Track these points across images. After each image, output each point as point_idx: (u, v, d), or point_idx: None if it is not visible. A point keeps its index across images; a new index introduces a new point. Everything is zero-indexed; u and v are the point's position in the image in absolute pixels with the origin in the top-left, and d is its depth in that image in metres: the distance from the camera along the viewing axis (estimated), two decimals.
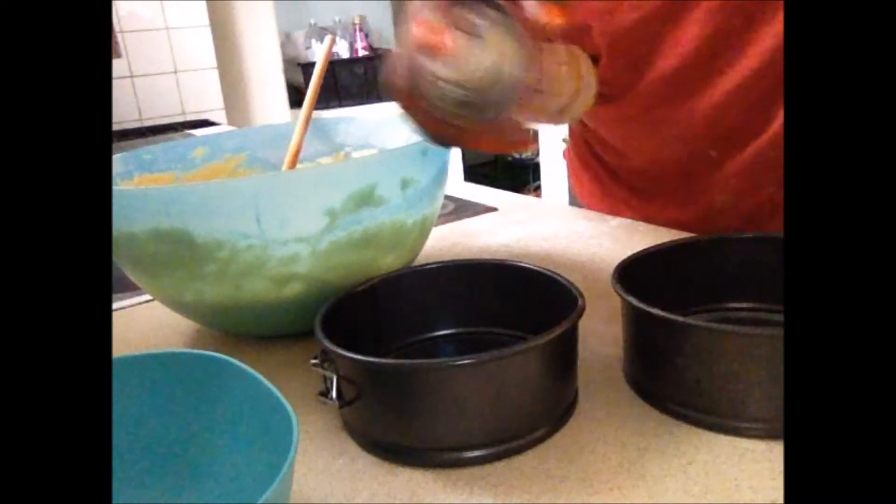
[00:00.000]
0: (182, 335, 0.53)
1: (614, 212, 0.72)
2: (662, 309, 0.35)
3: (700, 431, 0.34)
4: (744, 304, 0.44)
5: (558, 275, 0.40)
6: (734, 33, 0.50)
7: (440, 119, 0.37)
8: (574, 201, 0.80)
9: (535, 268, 0.42)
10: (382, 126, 0.63)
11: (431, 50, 0.35)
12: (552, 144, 3.05)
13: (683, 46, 0.52)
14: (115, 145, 1.72)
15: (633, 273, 0.40)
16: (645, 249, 0.43)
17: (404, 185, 0.44)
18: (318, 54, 2.99)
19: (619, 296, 0.37)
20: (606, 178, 0.72)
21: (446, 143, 0.40)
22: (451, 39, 0.34)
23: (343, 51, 3.32)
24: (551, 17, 0.36)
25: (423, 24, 0.35)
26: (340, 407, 0.35)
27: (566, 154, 0.82)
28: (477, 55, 0.35)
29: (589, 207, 0.76)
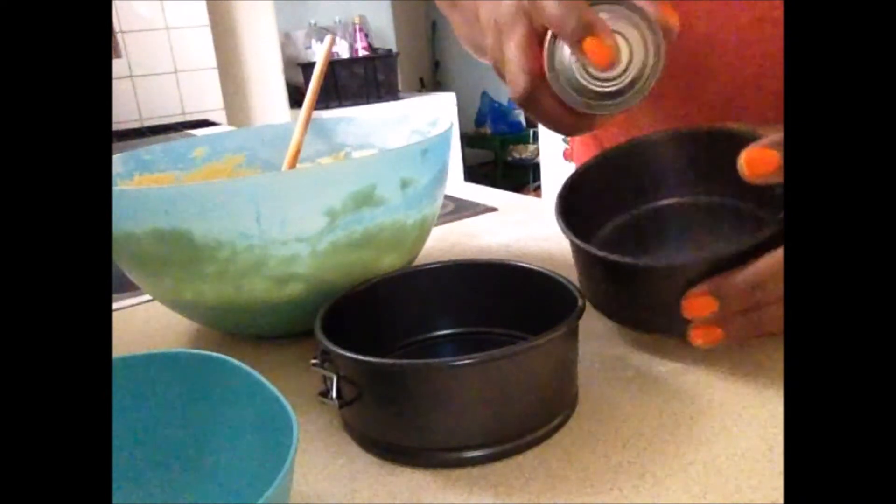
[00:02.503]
0: (182, 335, 0.53)
1: None
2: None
3: (700, 431, 0.34)
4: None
5: (558, 275, 0.40)
6: (742, 25, 0.50)
7: (568, 109, 0.38)
8: None
9: (535, 268, 0.42)
10: (382, 126, 0.63)
11: (581, 45, 0.35)
12: (552, 144, 3.05)
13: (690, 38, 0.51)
14: (115, 145, 1.72)
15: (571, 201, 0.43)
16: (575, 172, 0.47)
17: (404, 185, 0.44)
18: (318, 54, 2.98)
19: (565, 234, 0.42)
20: None
21: (570, 132, 0.41)
22: (604, 36, 0.35)
23: (343, 51, 3.32)
24: (667, 16, 0.37)
25: (572, 17, 0.35)
26: (340, 407, 0.35)
27: (566, 154, 0.82)
28: (624, 50, 0.36)
29: None
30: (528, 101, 0.39)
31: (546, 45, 0.37)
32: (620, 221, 0.49)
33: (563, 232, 0.42)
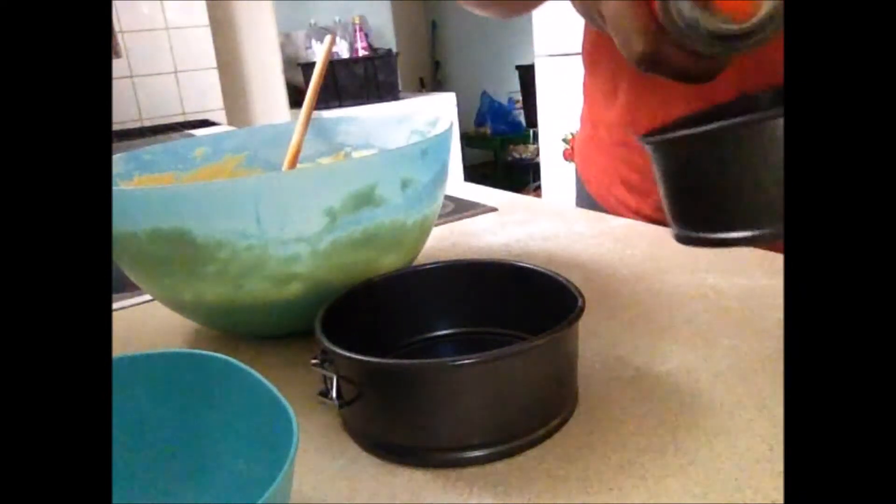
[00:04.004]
0: (182, 335, 0.53)
1: (622, 200, 0.72)
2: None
3: (700, 431, 0.34)
4: None
5: (558, 275, 0.40)
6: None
7: (696, 57, 0.35)
8: (581, 201, 0.80)
9: (535, 268, 0.42)
10: (382, 126, 0.63)
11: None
12: (552, 144, 3.05)
13: None
14: (115, 145, 1.72)
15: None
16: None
17: (404, 185, 0.44)
18: (318, 54, 2.99)
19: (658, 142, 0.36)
20: (613, 164, 0.72)
21: (706, 78, 0.37)
22: None
23: (343, 51, 3.33)
24: None
25: None
26: (340, 407, 0.35)
27: (566, 154, 0.82)
28: None
29: (598, 198, 0.76)
30: (650, 62, 0.36)
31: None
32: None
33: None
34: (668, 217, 0.38)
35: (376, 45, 3.59)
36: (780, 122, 0.31)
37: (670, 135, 0.35)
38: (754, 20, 0.33)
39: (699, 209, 0.36)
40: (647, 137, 0.37)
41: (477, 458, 0.33)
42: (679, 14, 0.34)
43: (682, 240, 0.38)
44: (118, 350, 0.46)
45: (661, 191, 0.38)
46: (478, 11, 0.70)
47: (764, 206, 0.33)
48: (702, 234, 0.36)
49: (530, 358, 0.34)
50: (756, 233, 0.34)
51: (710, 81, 0.38)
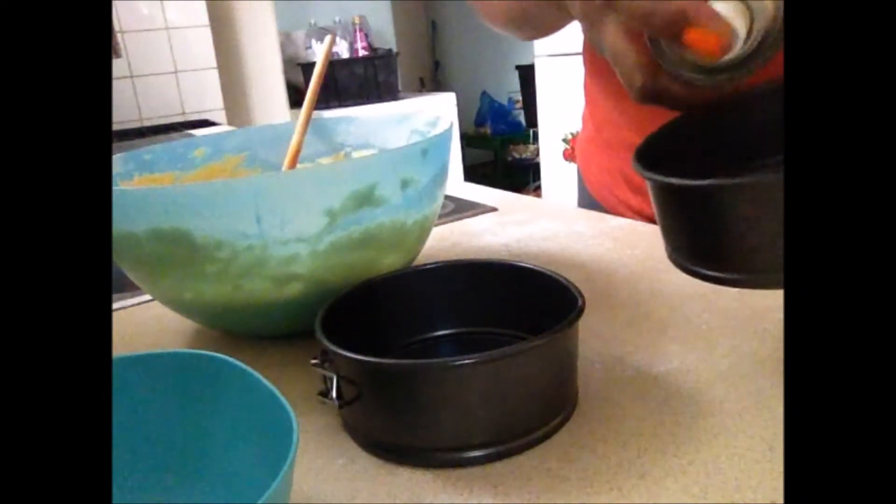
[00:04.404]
0: (182, 335, 0.53)
1: (624, 200, 0.72)
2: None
3: (700, 431, 0.34)
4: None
5: (558, 275, 0.40)
6: None
7: (689, 86, 0.35)
8: (583, 201, 0.80)
9: (535, 268, 0.42)
10: (382, 126, 0.63)
11: (681, 40, 0.32)
12: (552, 144, 3.05)
13: None
14: (115, 145, 1.72)
15: (653, 153, 0.37)
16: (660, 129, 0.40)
17: (404, 185, 0.44)
18: (318, 54, 2.99)
19: (644, 176, 0.34)
20: (613, 162, 0.72)
21: (707, 103, 0.37)
22: (706, 20, 0.31)
23: (343, 51, 3.32)
24: None
25: (658, 12, 0.32)
26: (340, 407, 0.35)
27: (566, 154, 0.82)
28: (740, 19, 0.32)
29: (599, 197, 0.76)
30: (651, 95, 0.36)
31: (646, 36, 0.34)
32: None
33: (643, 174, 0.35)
34: (663, 240, 0.38)
35: (376, 45, 3.58)
36: (780, 183, 0.29)
37: (664, 179, 0.34)
38: (724, 59, 0.32)
39: (693, 245, 0.35)
40: (641, 165, 0.36)
41: (477, 458, 0.33)
42: (667, 48, 0.34)
43: (676, 265, 0.37)
44: (118, 350, 0.46)
45: (656, 215, 0.37)
46: (503, 31, 0.69)
47: (760, 253, 0.32)
48: (695, 269, 0.35)
49: (530, 358, 0.34)
50: (750, 277, 0.32)
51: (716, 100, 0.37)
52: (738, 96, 0.40)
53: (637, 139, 0.44)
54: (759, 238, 0.31)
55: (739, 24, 0.32)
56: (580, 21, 0.40)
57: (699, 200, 0.33)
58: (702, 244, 0.34)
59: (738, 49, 0.32)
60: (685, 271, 0.36)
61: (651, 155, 0.37)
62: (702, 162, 0.38)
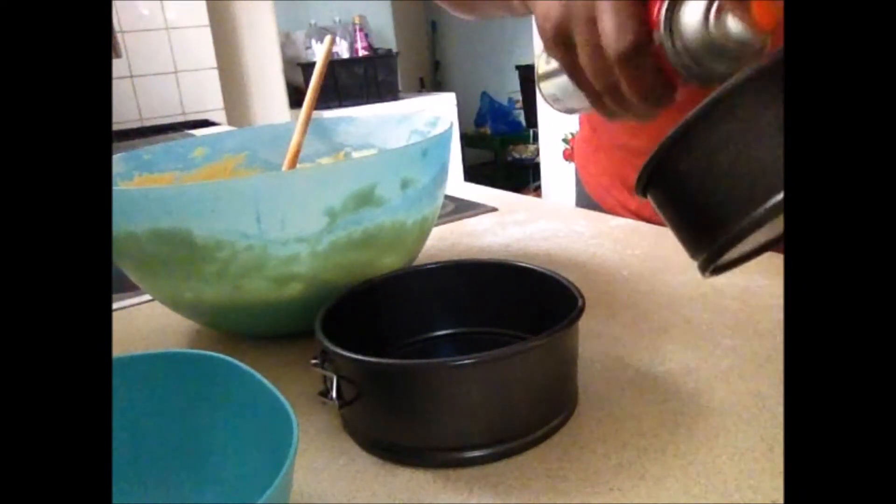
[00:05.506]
0: (182, 335, 0.53)
1: (622, 202, 0.72)
2: None
3: (700, 431, 0.34)
4: None
5: (558, 275, 0.40)
6: None
7: (663, 82, 0.35)
8: (581, 201, 0.80)
9: (535, 268, 0.42)
10: (382, 126, 0.63)
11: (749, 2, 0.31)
12: (552, 144, 3.05)
13: None
14: (115, 145, 1.72)
15: None
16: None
17: (404, 185, 0.44)
18: (318, 54, 2.99)
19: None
20: (613, 162, 0.72)
21: (653, 106, 0.36)
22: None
23: (343, 51, 3.32)
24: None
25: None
26: (340, 407, 0.35)
27: (566, 154, 0.82)
28: None
29: (596, 198, 0.76)
30: (629, 57, 0.34)
31: (664, 3, 0.33)
32: None
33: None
34: (686, 249, 0.36)
35: (376, 45, 3.58)
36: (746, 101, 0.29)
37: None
38: (755, 41, 0.32)
39: (702, 218, 0.33)
40: (641, 186, 0.35)
41: (477, 458, 0.33)
42: (683, 20, 0.33)
43: (707, 268, 0.35)
44: (118, 350, 0.46)
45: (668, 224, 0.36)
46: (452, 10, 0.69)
47: (760, 180, 0.30)
48: (711, 248, 0.33)
49: (530, 358, 0.34)
50: (756, 212, 0.30)
51: (653, 117, 0.37)
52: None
53: (633, 141, 0.44)
54: (750, 166, 0.30)
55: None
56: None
57: (693, 169, 0.32)
58: (707, 211, 0.33)
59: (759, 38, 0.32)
60: (718, 268, 0.35)
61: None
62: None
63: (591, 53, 0.36)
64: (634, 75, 0.35)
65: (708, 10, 0.32)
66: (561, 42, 0.38)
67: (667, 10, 0.33)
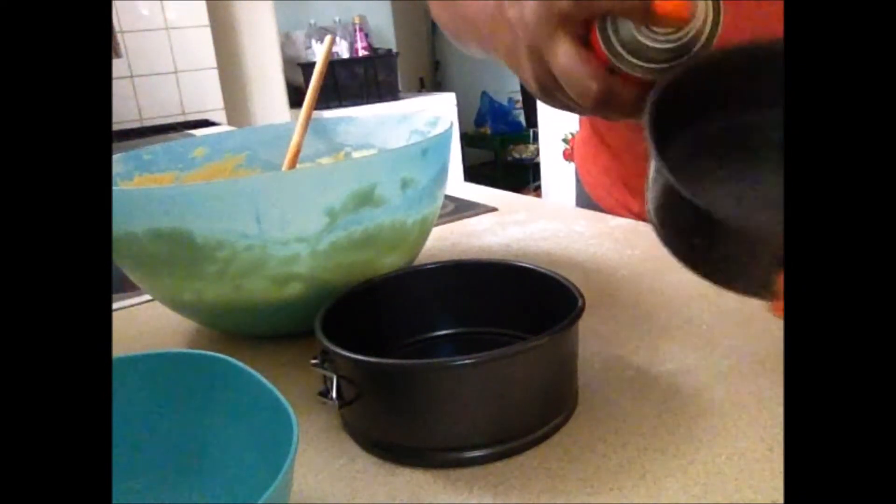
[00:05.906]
0: (182, 335, 0.53)
1: (623, 202, 0.72)
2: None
3: (700, 431, 0.34)
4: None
5: (558, 275, 0.40)
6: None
7: (643, 94, 0.36)
8: (581, 201, 0.80)
9: (535, 268, 0.42)
10: (382, 126, 0.63)
11: (652, 9, 0.34)
12: (552, 144, 3.05)
13: None
14: (115, 145, 1.72)
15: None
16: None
17: (404, 185, 0.44)
18: (318, 54, 2.98)
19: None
20: (613, 162, 0.72)
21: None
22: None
23: (343, 51, 3.32)
24: None
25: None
26: (340, 407, 0.35)
27: (566, 154, 0.82)
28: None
29: (596, 198, 0.76)
30: (605, 102, 0.37)
31: (599, 34, 0.36)
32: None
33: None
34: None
35: (376, 45, 3.58)
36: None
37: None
38: (688, 27, 0.35)
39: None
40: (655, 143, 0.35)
41: (477, 458, 0.33)
42: (621, 40, 0.36)
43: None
44: (118, 350, 0.46)
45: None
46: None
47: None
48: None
49: (530, 358, 0.34)
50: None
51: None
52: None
53: (632, 141, 0.45)
54: None
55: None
56: (514, 58, 0.41)
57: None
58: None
59: (689, 25, 0.35)
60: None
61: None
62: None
63: (575, 106, 0.40)
64: (616, 103, 0.37)
65: (635, 28, 0.35)
66: (547, 97, 0.42)
67: (604, 41, 0.36)
